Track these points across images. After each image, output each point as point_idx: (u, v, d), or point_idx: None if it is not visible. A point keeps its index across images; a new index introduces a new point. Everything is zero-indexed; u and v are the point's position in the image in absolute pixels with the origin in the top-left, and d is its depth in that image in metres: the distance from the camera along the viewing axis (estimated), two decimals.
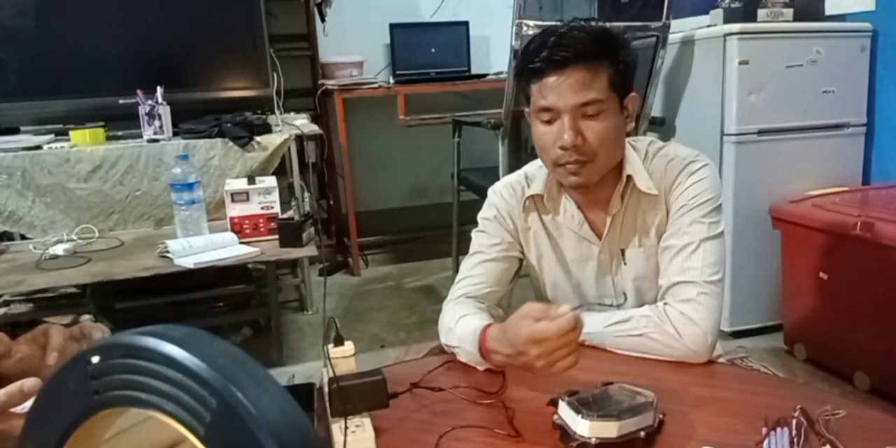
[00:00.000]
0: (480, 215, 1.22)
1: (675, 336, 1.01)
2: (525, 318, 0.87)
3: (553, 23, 2.35)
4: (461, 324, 1.04)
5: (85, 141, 2.41)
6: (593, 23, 1.07)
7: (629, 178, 1.10)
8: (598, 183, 1.10)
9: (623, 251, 1.15)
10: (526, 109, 1.13)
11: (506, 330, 0.92)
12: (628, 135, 1.13)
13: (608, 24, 1.10)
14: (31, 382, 0.68)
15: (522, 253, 1.20)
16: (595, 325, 1.04)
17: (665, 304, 1.05)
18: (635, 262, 1.14)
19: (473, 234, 1.22)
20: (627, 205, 1.12)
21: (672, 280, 1.07)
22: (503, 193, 1.20)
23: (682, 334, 1.00)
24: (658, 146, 1.15)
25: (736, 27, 2.24)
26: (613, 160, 1.09)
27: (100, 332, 0.89)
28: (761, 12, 2.34)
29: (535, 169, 1.19)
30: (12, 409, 0.68)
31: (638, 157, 1.13)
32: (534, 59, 1.04)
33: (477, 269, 1.17)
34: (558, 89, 1.02)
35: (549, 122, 1.06)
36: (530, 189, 1.17)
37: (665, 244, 1.10)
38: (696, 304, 1.03)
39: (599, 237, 1.15)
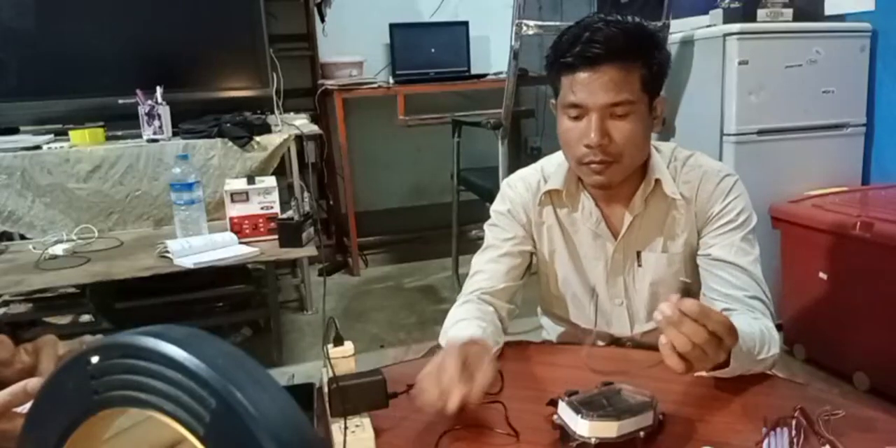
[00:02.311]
0: (493, 208, 1.20)
1: (777, 354, 1.00)
2: (442, 371, 0.82)
3: (553, 23, 2.36)
4: (455, 329, 1.05)
5: (84, 141, 2.41)
6: (630, 18, 1.03)
7: (657, 181, 1.09)
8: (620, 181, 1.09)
9: (639, 253, 1.14)
10: (552, 101, 1.10)
11: (443, 356, 0.86)
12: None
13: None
14: (34, 382, 0.68)
15: (535, 247, 1.19)
16: (744, 361, 0.91)
17: (759, 319, 1.02)
18: (655, 266, 1.13)
19: (486, 227, 1.20)
20: (650, 207, 1.11)
21: (748, 293, 1.05)
22: (518, 187, 1.18)
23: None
24: (685, 154, 1.14)
25: (736, 27, 2.24)
26: (638, 161, 1.08)
27: None
28: (761, 12, 2.34)
29: (553, 164, 1.17)
30: (15, 409, 0.68)
31: (662, 160, 1.11)
32: (566, 54, 1.00)
33: (490, 265, 1.16)
34: (590, 87, 0.99)
35: (576, 119, 1.03)
36: (548, 184, 1.15)
37: (716, 256, 1.08)
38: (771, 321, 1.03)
39: (615, 236, 1.13)
